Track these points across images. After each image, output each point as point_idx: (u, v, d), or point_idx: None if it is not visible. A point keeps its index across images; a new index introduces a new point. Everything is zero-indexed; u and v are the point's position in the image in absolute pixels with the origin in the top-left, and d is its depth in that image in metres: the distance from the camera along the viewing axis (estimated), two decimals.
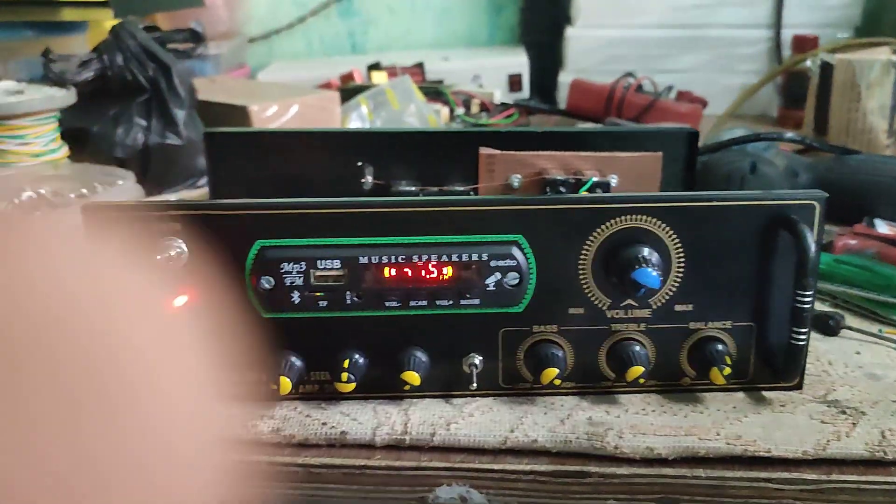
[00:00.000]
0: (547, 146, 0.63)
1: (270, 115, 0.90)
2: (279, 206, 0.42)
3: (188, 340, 0.23)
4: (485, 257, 0.42)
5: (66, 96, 0.75)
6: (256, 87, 1.03)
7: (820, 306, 0.56)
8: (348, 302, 0.43)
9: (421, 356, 0.44)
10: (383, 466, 0.41)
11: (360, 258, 0.42)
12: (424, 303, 0.43)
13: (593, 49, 1.28)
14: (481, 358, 0.44)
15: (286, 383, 0.42)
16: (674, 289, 0.43)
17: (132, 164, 0.79)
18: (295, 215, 0.42)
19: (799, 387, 0.45)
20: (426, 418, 0.42)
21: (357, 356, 0.44)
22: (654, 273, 0.41)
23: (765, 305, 0.44)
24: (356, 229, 0.42)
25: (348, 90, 1.11)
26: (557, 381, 0.43)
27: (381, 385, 0.44)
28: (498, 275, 0.42)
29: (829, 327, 0.52)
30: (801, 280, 0.41)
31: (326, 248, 0.42)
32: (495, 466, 0.41)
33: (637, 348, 0.44)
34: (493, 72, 1.28)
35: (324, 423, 0.42)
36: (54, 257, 0.20)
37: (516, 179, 0.63)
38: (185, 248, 0.42)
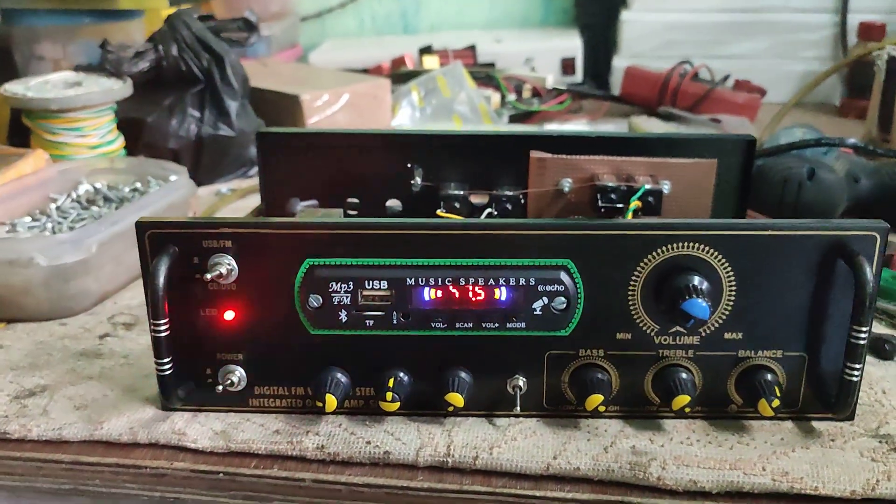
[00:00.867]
0: (599, 150, 0.62)
1: (322, 104, 0.90)
2: (329, 227, 0.42)
3: None
4: (532, 282, 0.42)
5: (122, 88, 0.76)
6: (307, 72, 1.03)
7: (876, 327, 0.54)
8: (395, 322, 0.43)
9: (465, 377, 0.44)
10: (425, 488, 0.41)
11: (408, 280, 0.42)
12: (470, 325, 0.43)
13: (649, 33, 1.25)
14: (525, 379, 0.44)
15: (332, 401, 0.43)
16: (724, 317, 0.43)
17: (185, 154, 0.80)
18: (344, 235, 0.42)
19: (850, 418, 0.44)
20: (469, 440, 0.43)
21: (402, 375, 0.44)
22: (704, 304, 0.40)
23: (818, 336, 0.43)
24: (404, 250, 0.42)
25: (400, 75, 1.11)
26: (602, 408, 0.43)
27: (426, 404, 0.45)
28: (545, 299, 0.42)
29: (884, 351, 0.50)
30: (859, 315, 0.40)
31: (374, 269, 0.42)
32: (537, 493, 0.41)
33: (684, 375, 0.43)
34: (545, 55, 1.26)
35: (368, 442, 0.43)
36: None
37: (567, 184, 0.62)
38: (236, 265, 0.43)
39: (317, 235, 0.42)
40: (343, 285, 0.42)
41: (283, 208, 0.64)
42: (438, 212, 0.61)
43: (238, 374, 0.45)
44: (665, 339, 0.43)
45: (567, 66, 1.25)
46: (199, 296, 0.43)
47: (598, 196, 0.61)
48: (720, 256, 0.41)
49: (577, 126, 1.06)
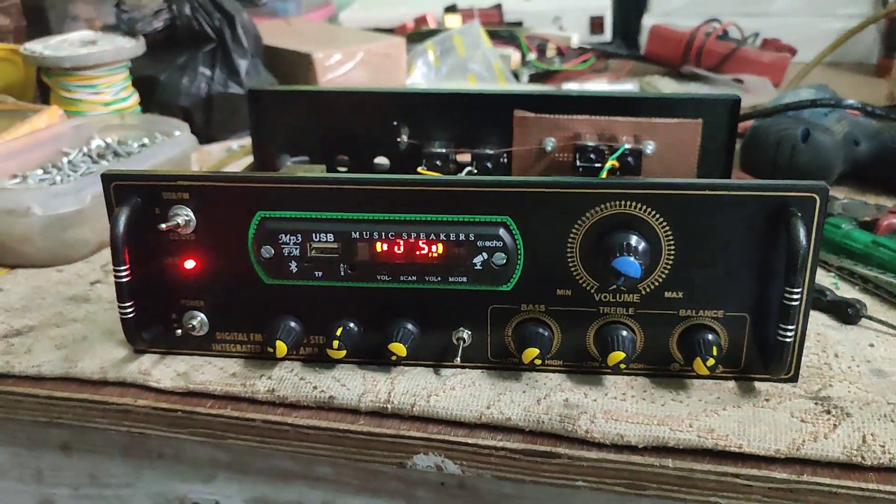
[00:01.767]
0: (586, 111, 0.62)
1: (334, 63, 0.92)
2: (278, 181, 0.44)
3: None
4: (472, 237, 0.43)
5: (135, 47, 0.79)
6: (327, 31, 1.04)
7: (849, 291, 0.54)
8: (342, 273, 0.45)
9: (411, 328, 0.45)
10: (365, 432, 0.43)
11: (353, 233, 0.44)
12: (413, 278, 0.44)
13: None
14: (470, 332, 0.45)
15: (282, 347, 0.45)
16: (663, 276, 0.43)
17: (197, 112, 0.83)
18: (293, 189, 0.44)
19: (794, 379, 0.44)
20: (410, 388, 0.44)
21: (351, 325, 0.46)
22: (636, 261, 0.41)
23: (759, 297, 0.43)
24: (349, 205, 0.44)
25: (420, 34, 1.11)
26: (538, 362, 0.44)
27: (373, 353, 0.46)
28: (485, 254, 0.43)
29: (847, 315, 0.50)
30: (790, 276, 0.40)
31: (321, 222, 0.44)
32: (469, 440, 0.42)
33: (624, 333, 0.44)
34: (574, 13, 1.24)
35: (315, 387, 0.45)
36: None
37: (550, 143, 0.62)
38: (193, 216, 0.45)
39: (268, 189, 0.44)
40: (292, 237, 0.44)
41: (274, 165, 0.66)
42: (419, 169, 0.63)
43: (199, 320, 0.47)
44: (605, 297, 0.44)
45: (596, 24, 1.24)
46: (162, 245, 0.46)
47: (578, 156, 0.61)
48: (657, 215, 0.42)
49: (596, 86, 1.05)
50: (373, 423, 0.43)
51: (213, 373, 0.47)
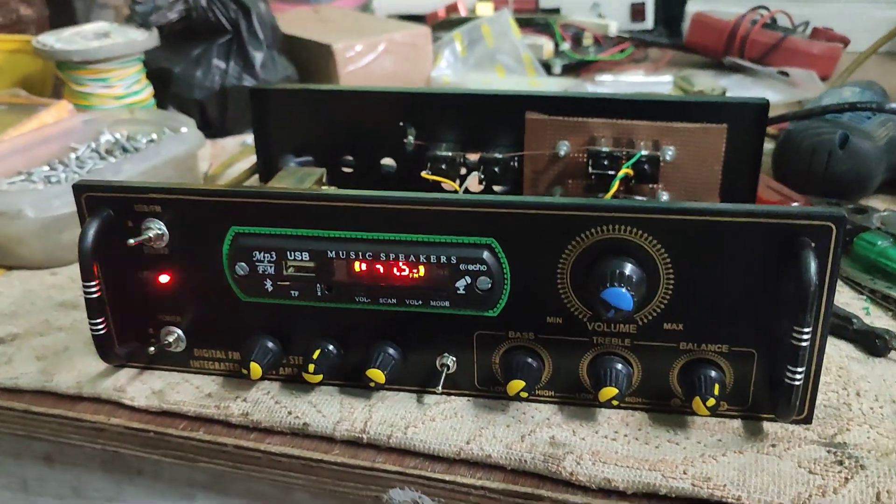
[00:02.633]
0: (603, 113, 0.58)
1: (355, 54, 0.89)
2: (252, 195, 0.42)
3: None
4: (454, 259, 0.40)
5: (147, 39, 0.77)
6: (354, 20, 1.02)
7: (879, 317, 0.49)
8: (318, 294, 0.42)
9: (392, 352, 0.43)
10: (339, 463, 0.41)
11: (329, 252, 0.41)
12: (394, 300, 0.41)
13: None
14: (454, 358, 0.43)
15: (256, 369, 0.43)
16: (662, 306, 0.39)
17: (211, 105, 0.81)
18: (267, 204, 0.41)
19: (807, 420, 0.40)
20: (388, 417, 0.42)
21: (330, 346, 0.43)
22: (628, 293, 0.37)
23: (768, 332, 0.39)
24: (326, 222, 0.41)
25: (450, 22, 1.08)
26: (524, 394, 0.41)
27: (353, 375, 0.44)
28: (468, 278, 0.40)
29: (875, 347, 0.46)
30: (799, 315, 0.36)
31: (296, 240, 0.41)
32: (447, 477, 0.39)
33: (619, 366, 0.40)
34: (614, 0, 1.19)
35: (290, 412, 0.43)
36: None
37: (564, 147, 0.59)
38: (166, 230, 0.43)
39: (241, 204, 0.42)
40: (266, 255, 0.42)
41: (278, 166, 0.64)
42: (423, 173, 0.60)
43: (175, 336, 0.45)
44: (599, 326, 0.41)
45: (636, 11, 1.18)
46: (137, 259, 0.44)
47: (590, 162, 0.57)
48: (655, 241, 0.38)
49: (631, 77, 1.00)
50: (348, 453, 0.41)
51: (189, 392, 0.45)
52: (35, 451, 0.50)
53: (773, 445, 0.39)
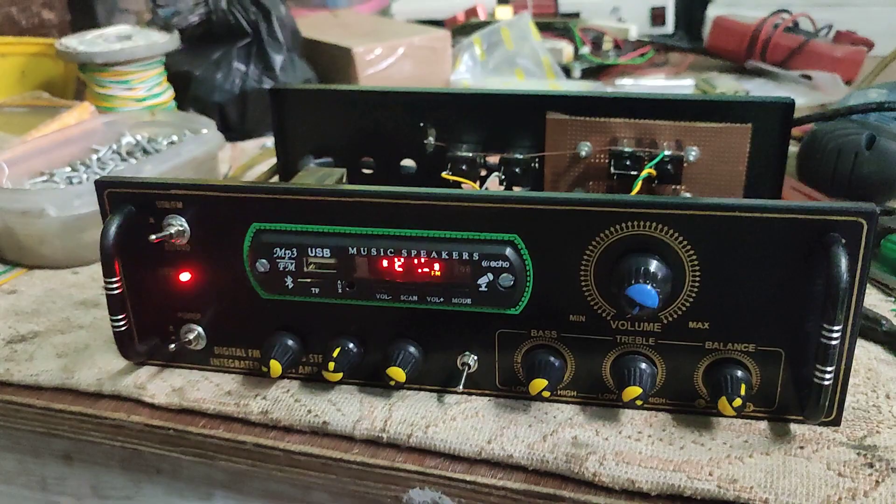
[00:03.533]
0: (625, 113, 0.58)
1: (375, 58, 0.89)
2: (273, 191, 0.41)
3: None
4: (476, 256, 0.39)
5: (167, 42, 0.77)
6: (373, 24, 1.02)
7: None
8: (339, 291, 0.42)
9: (413, 350, 0.42)
10: (358, 462, 0.40)
11: (350, 248, 0.41)
12: (415, 298, 0.41)
13: None
14: (476, 357, 0.42)
15: (276, 367, 0.42)
16: (687, 304, 0.39)
17: (231, 108, 0.81)
18: (288, 200, 0.41)
19: (836, 423, 0.39)
20: (408, 416, 0.41)
21: (350, 344, 0.43)
22: (653, 290, 0.37)
23: (796, 331, 0.38)
24: (347, 218, 0.41)
25: (470, 26, 1.07)
26: (546, 394, 0.40)
27: (374, 374, 0.44)
28: (490, 275, 0.40)
29: None
30: (829, 312, 0.35)
31: (317, 236, 0.41)
32: (468, 477, 0.39)
33: (643, 365, 0.40)
34: (634, 4, 1.19)
35: (309, 411, 0.42)
36: None
37: (585, 147, 0.58)
38: (188, 227, 0.43)
39: (262, 200, 0.41)
40: (287, 251, 0.41)
41: (298, 167, 0.64)
42: (444, 174, 0.59)
43: (195, 333, 0.45)
44: (623, 325, 0.40)
45: (657, 15, 1.18)
46: (158, 256, 0.44)
47: (612, 163, 0.57)
48: (681, 238, 0.37)
49: (652, 81, 1.00)
50: (367, 452, 0.41)
51: (209, 389, 0.45)
52: (55, 449, 0.50)
53: (801, 447, 0.38)
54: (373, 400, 0.43)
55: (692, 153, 0.56)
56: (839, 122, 0.61)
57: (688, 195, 0.57)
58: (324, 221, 0.41)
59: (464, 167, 0.60)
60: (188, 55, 0.82)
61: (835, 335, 0.35)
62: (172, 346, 0.45)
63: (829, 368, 0.36)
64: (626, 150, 0.56)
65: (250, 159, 0.77)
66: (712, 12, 1.15)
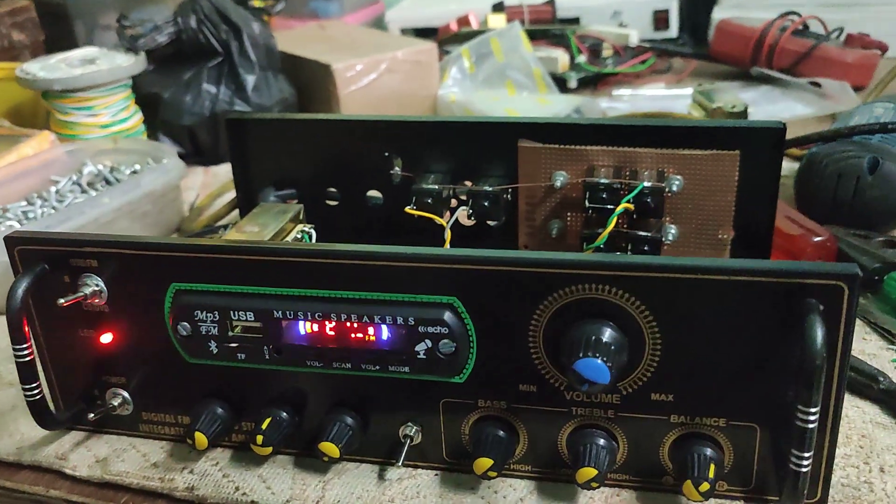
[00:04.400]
0: (606, 140, 0.53)
1: (355, 74, 0.85)
2: (192, 249, 0.38)
3: None
4: (412, 321, 0.35)
5: (132, 65, 0.74)
6: (360, 36, 0.98)
7: None
8: (267, 357, 0.38)
9: (350, 421, 0.38)
10: None
11: (276, 312, 0.37)
12: (348, 365, 0.37)
13: None
14: (419, 428, 0.38)
15: (202, 439, 0.39)
16: (648, 374, 0.34)
17: (201, 131, 0.78)
18: (207, 259, 0.37)
19: (822, 502, 0.35)
20: (342, 496, 0.37)
21: (283, 413, 0.39)
22: (604, 365, 0.32)
23: (771, 405, 0.34)
24: (273, 278, 0.37)
25: (460, 36, 1.03)
26: (493, 474, 0.36)
27: (309, 444, 0.40)
28: (429, 342, 0.35)
29: None
30: (804, 393, 0.31)
31: (241, 298, 0.37)
32: None
33: (601, 441, 0.35)
34: (636, 7, 1.13)
35: (237, 488, 0.38)
36: None
37: (560, 178, 0.54)
38: (104, 286, 0.39)
39: (180, 258, 0.38)
40: (209, 314, 0.38)
41: (257, 199, 0.60)
42: (408, 209, 0.55)
43: (121, 399, 0.42)
44: (578, 396, 0.36)
45: (660, 19, 1.12)
46: (77, 316, 0.40)
47: (587, 195, 0.52)
48: (638, 302, 0.33)
49: (650, 90, 0.95)
50: None
51: (135, 461, 0.41)
52: None
53: None
54: (306, 476, 0.39)
55: (675, 183, 0.51)
56: (840, 144, 0.56)
57: (673, 228, 0.52)
58: (247, 282, 0.37)
59: (429, 200, 0.55)
60: (158, 76, 0.78)
61: (811, 418, 0.31)
62: (92, 414, 0.41)
63: (806, 454, 0.31)
64: (602, 181, 0.52)
65: (219, 187, 0.73)
66: (718, 15, 1.09)
